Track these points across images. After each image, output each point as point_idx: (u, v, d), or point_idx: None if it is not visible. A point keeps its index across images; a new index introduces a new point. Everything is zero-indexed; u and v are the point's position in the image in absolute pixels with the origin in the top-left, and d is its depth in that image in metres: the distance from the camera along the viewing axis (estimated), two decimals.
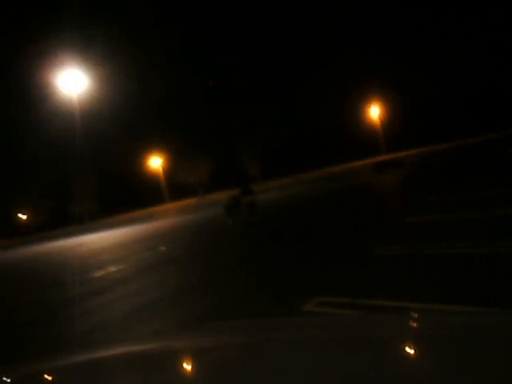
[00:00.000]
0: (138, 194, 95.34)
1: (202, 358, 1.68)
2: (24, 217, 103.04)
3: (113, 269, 15.80)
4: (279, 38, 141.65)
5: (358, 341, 1.52)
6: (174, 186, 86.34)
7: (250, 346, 1.69)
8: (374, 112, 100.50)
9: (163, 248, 19.08)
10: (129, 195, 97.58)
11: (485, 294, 5.58)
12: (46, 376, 1.81)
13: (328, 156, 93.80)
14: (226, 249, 15.33)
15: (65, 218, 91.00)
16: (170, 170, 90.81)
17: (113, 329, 7.89)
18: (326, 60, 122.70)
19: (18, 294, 14.74)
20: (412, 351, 1.40)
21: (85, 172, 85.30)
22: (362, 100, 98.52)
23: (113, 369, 1.69)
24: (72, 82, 53.78)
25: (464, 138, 72.67)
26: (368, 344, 1.47)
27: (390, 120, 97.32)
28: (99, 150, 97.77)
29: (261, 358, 1.49)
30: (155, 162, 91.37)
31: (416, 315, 1.84)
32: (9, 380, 1.77)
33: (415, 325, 1.67)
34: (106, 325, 8.25)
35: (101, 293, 11.54)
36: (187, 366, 1.63)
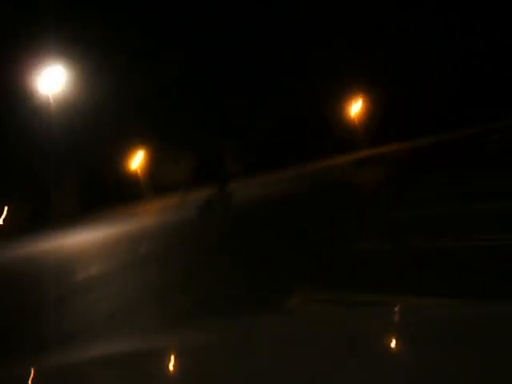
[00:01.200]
0: (119, 193, 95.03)
1: (185, 356, 1.66)
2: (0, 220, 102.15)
3: (94, 271, 15.70)
4: (259, 28, 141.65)
5: (344, 336, 1.51)
6: (155, 183, 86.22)
7: (233, 345, 1.68)
8: (355, 107, 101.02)
9: (144, 249, 19.01)
10: (109, 194, 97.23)
11: (471, 287, 5.61)
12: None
13: (309, 152, 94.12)
14: (207, 247, 15.26)
15: (43, 219, 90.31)
16: (151, 168, 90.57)
17: (96, 329, 7.83)
18: (307, 54, 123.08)
19: None
20: (396, 345, 1.40)
21: (63, 171, 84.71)
22: (343, 95, 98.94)
23: (96, 369, 1.66)
24: (50, 81, 53.31)
25: (446, 133, 73.01)
26: (353, 339, 1.46)
27: (370, 115, 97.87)
28: (79, 148, 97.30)
29: (245, 356, 1.47)
30: (135, 161, 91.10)
31: (399, 309, 1.84)
32: None
33: (399, 319, 1.67)
34: (89, 325, 8.19)
35: (82, 294, 11.45)
36: (170, 365, 1.62)
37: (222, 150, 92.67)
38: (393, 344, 1.44)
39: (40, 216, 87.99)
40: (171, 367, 1.60)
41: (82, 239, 37.65)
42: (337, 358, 1.31)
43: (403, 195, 16.67)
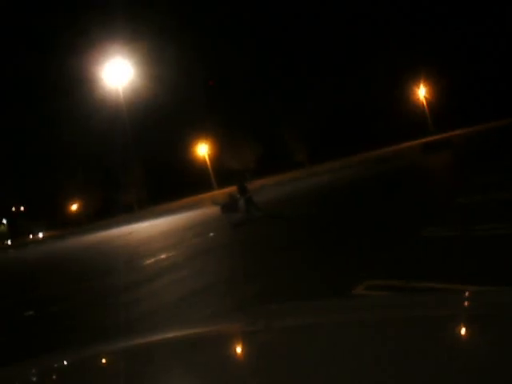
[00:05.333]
0: (185, 182, 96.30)
1: (255, 341, 1.68)
2: (74, 207, 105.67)
3: (163, 256, 16.03)
4: (321, 19, 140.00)
5: (411, 321, 1.51)
6: (221, 172, 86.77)
7: (301, 329, 1.70)
8: (421, 92, 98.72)
9: (212, 234, 19.24)
10: (176, 183, 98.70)
11: None
12: (103, 358, 1.86)
13: (375, 138, 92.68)
14: (274, 236, 15.33)
15: (114, 207, 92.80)
16: (216, 157, 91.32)
17: (166, 313, 8.02)
18: (371, 39, 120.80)
19: (74, 281, 15.09)
20: (465, 331, 1.39)
21: (132, 161, 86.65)
22: (408, 80, 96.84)
23: (166, 352, 1.71)
24: (117, 72, 54.49)
25: None
26: (421, 324, 1.45)
27: (437, 100, 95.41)
28: (146, 139, 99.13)
29: (316, 340, 1.49)
30: (201, 149, 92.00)
31: (468, 295, 1.82)
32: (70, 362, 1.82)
33: (468, 304, 1.64)
34: (158, 310, 8.39)
35: (152, 279, 11.73)
36: (240, 349, 1.64)
37: (289, 137, 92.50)
38: (462, 331, 1.42)
39: (110, 204, 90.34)
40: (239, 351, 1.63)
41: (151, 226, 38.46)
42: (403, 343, 1.31)
43: (470, 180, 16.26)
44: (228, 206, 22.58)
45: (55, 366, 1.85)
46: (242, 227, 18.82)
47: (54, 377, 1.76)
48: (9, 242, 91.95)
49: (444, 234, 8.93)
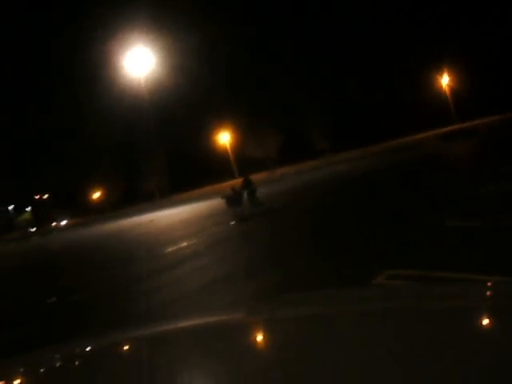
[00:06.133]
0: (207, 170, 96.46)
1: (276, 329, 1.68)
2: (97, 195, 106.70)
3: (184, 244, 16.12)
4: (345, 5, 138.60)
5: (432, 311, 1.50)
6: (243, 160, 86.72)
7: (320, 318, 1.69)
8: (445, 80, 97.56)
9: (233, 223, 19.28)
10: (197, 171, 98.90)
11: None
12: (124, 345, 1.88)
13: (397, 127, 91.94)
14: (292, 227, 15.31)
15: (136, 195, 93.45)
16: (238, 145, 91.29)
17: (186, 301, 8.07)
18: (393, 27, 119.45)
19: (96, 269, 15.24)
20: (488, 322, 1.37)
21: (154, 150, 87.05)
22: (432, 69, 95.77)
23: (187, 339, 1.72)
24: (139, 61, 54.60)
25: None
26: (443, 315, 1.44)
27: (460, 87, 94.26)
28: (168, 127, 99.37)
29: (334, 330, 1.48)
30: (223, 137, 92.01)
31: (492, 285, 1.80)
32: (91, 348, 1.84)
33: (491, 295, 1.62)
34: (180, 297, 8.44)
35: (174, 267, 11.80)
36: (261, 337, 1.64)
37: (311, 126, 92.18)
38: (485, 322, 1.40)
39: (132, 192, 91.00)
40: (260, 339, 1.63)
41: (172, 214, 38.66)
42: (423, 334, 1.30)
43: (495, 170, 16.06)
44: (232, 199, 22.61)
45: (76, 352, 1.87)
46: (247, 221, 18.86)
47: (76, 363, 1.78)
48: (33, 230, 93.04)
49: (467, 225, 8.85)
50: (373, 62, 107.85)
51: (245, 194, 21.64)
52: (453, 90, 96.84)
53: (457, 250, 7.37)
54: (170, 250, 15.45)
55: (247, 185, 21.73)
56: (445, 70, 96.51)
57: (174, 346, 1.66)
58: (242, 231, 16.61)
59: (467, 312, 1.44)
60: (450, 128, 64.26)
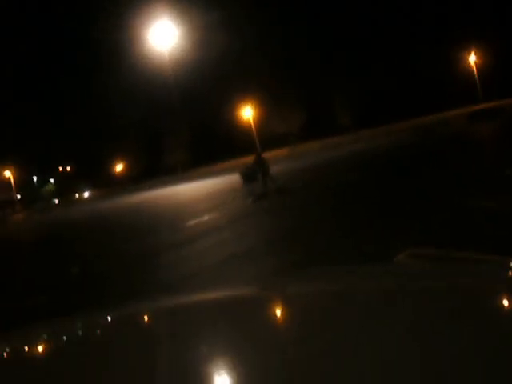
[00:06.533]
0: (230, 145, 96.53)
1: (294, 303, 1.67)
2: (120, 168, 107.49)
3: (206, 218, 16.18)
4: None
5: (454, 290, 1.47)
6: (265, 136, 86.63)
7: (338, 295, 1.67)
8: (472, 58, 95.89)
9: (251, 199, 19.28)
10: (220, 146, 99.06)
11: None
12: (144, 315, 1.89)
13: (423, 105, 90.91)
14: (316, 202, 15.24)
15: (158, 168, 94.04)
16: (262, 120, 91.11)
17: (209, 274, 8.11)
18: (423, 4, 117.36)
19: (118, 241, 15.35)
20: (509, 302, 1.34)
21: (178, 124, 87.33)
22: (456, 47, 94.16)
23: (208, 312, 1.71)
24: (163, 35, 54.34)
25: None
26: (465, 293, 1.41)
27: (488, 66, 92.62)
28: (191, 102, 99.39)
29: (356, 305, 1.46)
30: (246, 113, 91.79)
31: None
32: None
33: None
34: (201, 270, 8.49)
35: (196, 240, 11.85)
36: (280, 312, 1.63)
37: (335, 102, 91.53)
38: (505, 302, 1.37)
39: (155, 166, 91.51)
40: (280, 314, 1.62)
41: (193, 187, 38.86)
42: (445, 312, 1.27)
43: None
44: (247, 176, 22.55)
45: (98, 321, 1.88)
46: (266, 197, 18.79)
47: (98, 331, 1.80)
48: (56, 201, 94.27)
49: (492, 205, 8.73)
50: (401, 39, 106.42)
51: (259, 171, 21.57)
52: (480, 68, 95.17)
53: (480, 229, 7.28)
54: (191, 223, 15.50)
55: (259, 162, 21.64)
56: (473, 47, 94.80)
57: (185, 319, 1.65)
58: (262, 207, 16.60)
59: (489, 293, 1.41)
60: (476, 107, 63.26)
